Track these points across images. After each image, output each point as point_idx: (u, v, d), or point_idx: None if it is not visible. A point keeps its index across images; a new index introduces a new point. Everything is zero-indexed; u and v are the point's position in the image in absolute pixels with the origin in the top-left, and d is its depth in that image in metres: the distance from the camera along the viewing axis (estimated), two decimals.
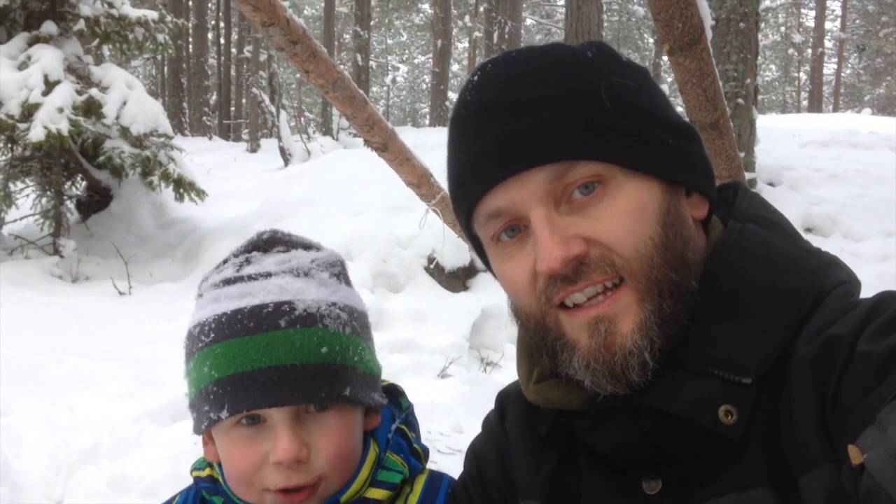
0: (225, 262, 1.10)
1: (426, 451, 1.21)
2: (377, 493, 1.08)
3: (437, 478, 1.17)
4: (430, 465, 1.21)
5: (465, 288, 7.50)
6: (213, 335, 1.01)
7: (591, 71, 0.90)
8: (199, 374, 1.02)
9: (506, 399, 1.13)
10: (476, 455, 1.14)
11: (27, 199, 9.62)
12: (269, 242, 1.11)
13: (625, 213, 0.85)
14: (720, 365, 0.84)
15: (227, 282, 1.04)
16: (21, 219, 9.50)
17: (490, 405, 1.18)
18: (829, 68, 44.65)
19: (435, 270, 7.54)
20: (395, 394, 1.20)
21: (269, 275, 1.03)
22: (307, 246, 1.13)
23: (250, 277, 1.03)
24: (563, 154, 0.85)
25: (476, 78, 0.93)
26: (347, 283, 1.13)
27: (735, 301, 0.87)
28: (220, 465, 1.09)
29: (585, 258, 0.85)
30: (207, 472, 1.11)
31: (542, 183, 0.86)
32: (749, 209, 0.97)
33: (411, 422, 1.22)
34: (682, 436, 0.86)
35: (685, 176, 0.91)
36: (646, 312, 0.85)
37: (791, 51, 44.47)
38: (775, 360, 0.84)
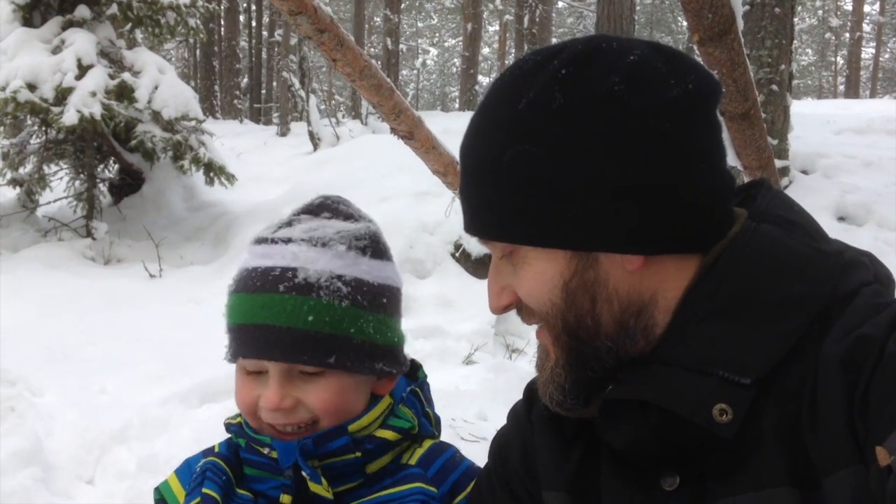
0: (283, 218, 1.23)
1: (438, 419, 1.31)
2: (387, 434, 1.18)
3: (441, 447, 1.25)
4: None
5: None
6: (234, 286, 1.16)
7: (505, 133, 0.90)
8: (226, 316, 1.17)
9: (534, 390, 1.13)
10: (500, 445, 1.16)
11: (61, 182, 9.79)
12: (320, 207, 1.22)
13: (527, 279, 0.93)
14: (720, 364, 0.84)
15: (259, 241, 1.17)
16: (55, 201, 9.66)
17: (515, 392, 1.19)
18: (867, 52, 43.76)
19: (461, 257, 7.54)
20: (413, 367, 1.31)
21: (289, 241, 1.14)
22: (348, 216, 1.21)
23: (273, 241, 1.15)
24: (471, 231, 0.97)
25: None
26: (376, 256, 1.20)
27: (741, 303, 0.86)
28: None
29: (517, 304, 0.97)
30: (238, 419, 1.21)
31: (482, 240, 0.98)
32: (769, 208, 0.95)
33: (426, 394, 1.32)
34: (687, 432, 0.85)
35: (591, 243, 0.88)
36: (557, 355, 0.95)
37: (828, 35, 43.65)
38: (796, 358, 0.83)
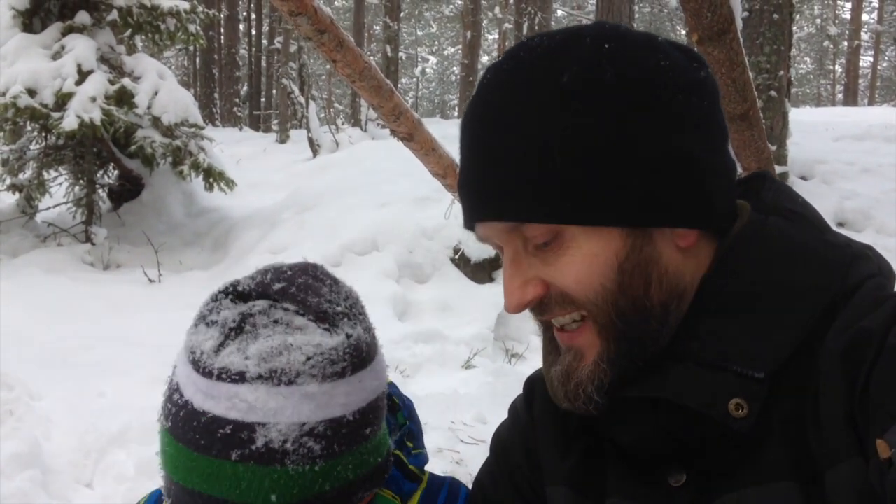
0: (230, 292, 0.95)
1: (422, 461, 1.13)
2: None
3: (434, 488, 1.10)
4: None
5: (490, 279, 7.49)
6: (169, 423, 0.89)
7: (552, 109, 0.85)
8: (159, 442, 0.93)
9: (534, 384, 1.11)
10: (501, 441, 1.14)
11: (60, 188, 9.79)
12: (282, 294, 0.93)
13: (574, 263, 0.87)
14: (734, 359, 0.83)
15: (199, 368, 0.88)
16: (54, 206, 9.66)
17: (514, 396, 1.18)
18: (866, 61, 43.88)
19: (461, 261, 7.54)
20: (392, 409, 1.09)
21: (241, 378, 0.85)
22: (320, 315, 0.92)
23: (219, 377, 0.86)
24: (507, 216, 0.88)
25: (481, 81, 0.93)
26: (358, 368, 0.92)
27: (751, 296, 0.85)
28: None
29: (545, 298, 0.90)
30: None
31: (503, 232, 0.90)
32: (775, 201, 0.95)
33: (411, 430, 1.13)
34: (699, 428, 0.85)
35: (652, 217, 0.86)
36: (602, 348, 0.89)
37: (826, 43, 43.78)
38: (803, 352, 0.82)
